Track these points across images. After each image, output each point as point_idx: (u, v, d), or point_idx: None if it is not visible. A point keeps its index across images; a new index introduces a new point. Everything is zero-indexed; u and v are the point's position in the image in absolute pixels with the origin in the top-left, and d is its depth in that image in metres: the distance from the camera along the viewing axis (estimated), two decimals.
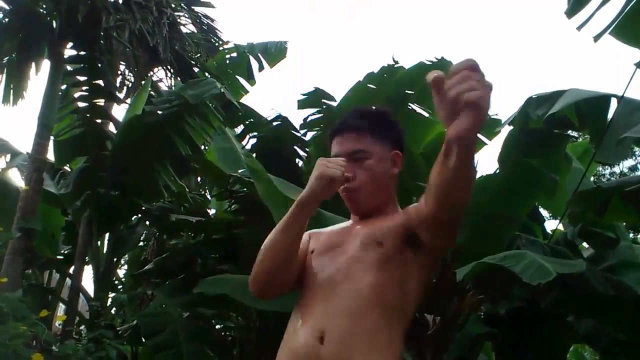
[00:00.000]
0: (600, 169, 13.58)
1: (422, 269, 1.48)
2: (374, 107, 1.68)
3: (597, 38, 3.28)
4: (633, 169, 14.62)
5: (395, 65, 5.92)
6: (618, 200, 3.71)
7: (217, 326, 6.04)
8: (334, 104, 5.89)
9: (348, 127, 1.57)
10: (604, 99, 3.63)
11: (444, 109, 1.10)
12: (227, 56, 7.15)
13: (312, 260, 1.51)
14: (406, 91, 5.77)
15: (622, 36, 3.33)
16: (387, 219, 1.51)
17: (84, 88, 5.45)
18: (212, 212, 6.65)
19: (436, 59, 5.68)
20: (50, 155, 5.52)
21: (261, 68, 7.06)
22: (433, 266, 1.57)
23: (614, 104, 3.62)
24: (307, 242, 1.57)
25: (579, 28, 3.29)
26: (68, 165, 6.10)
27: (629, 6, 3.19)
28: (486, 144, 6.21)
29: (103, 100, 5.79)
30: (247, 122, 6.28)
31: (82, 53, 5.48)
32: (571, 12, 3.25)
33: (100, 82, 5.47)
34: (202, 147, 6.10)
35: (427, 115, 5.92)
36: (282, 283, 1.49)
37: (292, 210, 1.44)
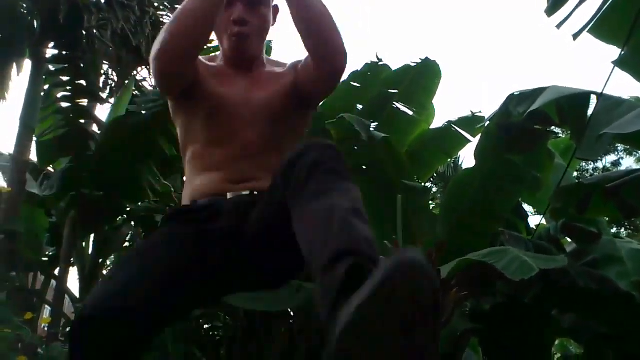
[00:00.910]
0: (584, 164, 13.75)
1: (304, 122, 1.60)
2: None
3: (576, 36, 3.33)
4: (615, 164, 14.83)
5: (380, 64, 5.95)
6: (599, 196, 3.77)
7: (205, 326, 6.04)
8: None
9: None
10: (584, 96, 3.68)
11: None
12: (212, 54, 7.13)
13: (213, 83, 1.50)
14: (390, 90, 5.81)
15: (600, 34, 3.38)
16: (270, 78, 1.54)
17: (66, 88, 5.40)
18: None
19: (420, 59, 5.72)
20: (33, 156, 5.47)
21: None
22: (308, 121, 1.65)
23: (593, 101, 3.67)
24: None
25: (559, 26, 3.34)
26: (51, 166, 6.04)
27: (606, 5, 3.24)
28: (470, 141, 6.27)
29: (86, 100, 5.75)
30: None
31: (64, 53, 5.43)
32: (551, 10, 3.29)
33: (83, 82, 5.42)
34: None
35: (411, 114, 5.97)
36: (194, 54, 1.42)
37: None
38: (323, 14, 1.38)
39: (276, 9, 1.57)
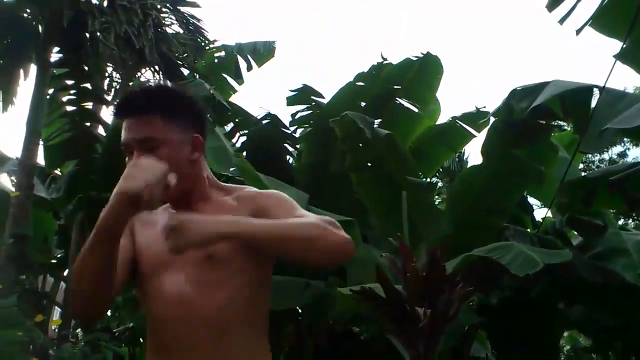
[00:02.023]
0: (590, 156, 13.68)
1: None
2: (167, 84, 1.41)
3: (579, 31, 3.34)
4: (622, 155, 14.73)
5: (384, 63, 5.97)
6: (604, 189, 3.78)
7: None
8: (323, 100, 5.93)
9: (135, 108, 1.30)
10: (587, 90, 3.68)
11: None
12: (216, 55, 7.17)
13: (148, 275, 1.29)
14: (393, 86, 5.82)
15: (602, 28, 3.39)
16: (207, 214, 1.29)
17: (71, 92, 5.44)
18: None
19: (422, 54, 5.72)
20: (41, 160, 5.53)
21: (249, 68, 7.08)
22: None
23: (596, 94, 3.68)
24: (130, 236, 1.34)
25: (561, 21, 3.35)
26: (58, 169, 6.09)
27: None
28: (475, 136, 6.28)
29: (91, 103, 5.79)
30: (236, 121, 6.31)
31: (69, 57, 5.47)
32: (551, 5, 3.30)
33: (88, 85, 5.47)
34: None
35: (415, 110, 5.98)
36: (106, 302, 1.25)
37: (91, 239, 1.18)
38: (288, 243, 1.20)
39: (197, 139, 1.33)
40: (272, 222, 1.24)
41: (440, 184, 10.94)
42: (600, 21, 3.35)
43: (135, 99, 1.33)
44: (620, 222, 11.41)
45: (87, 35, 5.54)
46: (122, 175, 1.18)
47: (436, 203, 8.25)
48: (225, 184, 1.41)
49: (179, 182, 1.27)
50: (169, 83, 1.38)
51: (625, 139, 13.94)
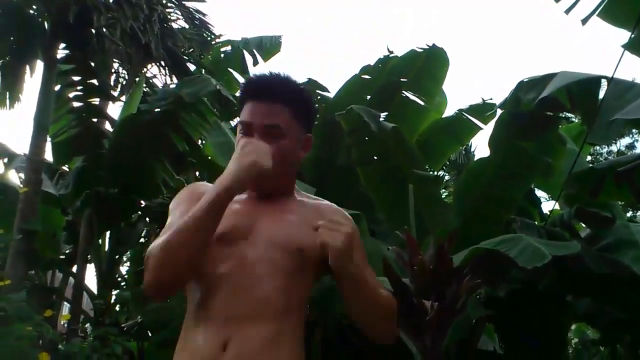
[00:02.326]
0: (598, 148, 13.62)
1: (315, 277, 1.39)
2: (292, 77, 1.42)
3: (585, 21, 3.31)
4: (630, 146, 14.67)
5: (390, 56, 5.95)
6: (612, 180, 3.75)
7: None
8: (328, 94, 5.92)
9: (269, 94, 1.35)
10: (595, 80, 3.66)
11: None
12: (222, 49, 7.17)
13: (212, 245, 1.28)
14: (400, 79, 5.80)
15: (610, 18, 3.36)
16: (298, 211, 1.37)
17: (78, 88, 5.46)
18: None
19: (427, 45, 5.70)
20: (48, 156, 5.55)
21: (255, 62, 7.08)
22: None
23: (604, 85, 3.65)
24: None
25: (567, 11, 3.32)
26: (66, 165, 6.12)
27: None
28: (481, 128, 6.26)
29: (98, 99, 5.80)
30: None
31: (75, 53, 5.48)
32: None
33: (94, 81, 5.48)
34: (200, 142, 6.13)
35: (421, 103, 5.96)
36: (188, 276, 1.28)
37: (209, 200, 1.22)
38: (372, 308, 1.29)
39: (309, 139, 1.41)
40: (374, 281, 1.34)
41: (447, 177, 10.91)
42: (608, 11, 3.32)
43: (269, 85, 1.37)
44: (629, 214, 11.36)
45: (93, 31, 5.55)
46: (238, 150, 1.27)
47: (443, 196, 8.23)
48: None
49: (282, 175, 1.35)
50: (289, 76, 1.39)
51: (633, 131, 13.86)
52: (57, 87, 5.51)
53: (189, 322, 1.30)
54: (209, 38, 7.05)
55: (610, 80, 3.53)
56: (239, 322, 1.23)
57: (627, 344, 4.79)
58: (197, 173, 7.40)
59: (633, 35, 3.37)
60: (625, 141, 14.61)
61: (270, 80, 1.39)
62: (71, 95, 5.54)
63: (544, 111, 4.16)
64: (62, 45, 5.46)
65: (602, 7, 3.31)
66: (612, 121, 3.26)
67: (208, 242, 1.24)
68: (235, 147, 1.30)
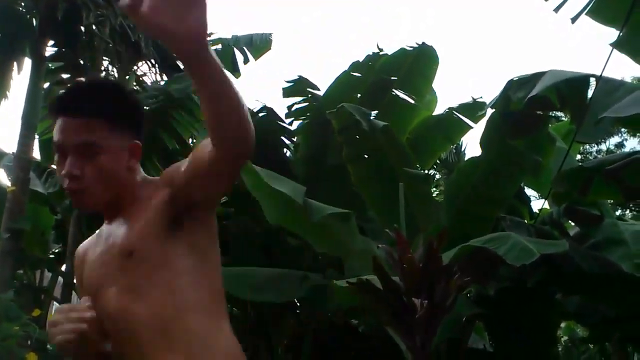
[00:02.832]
0: (587, 147, 13.68)
1: (202, 234, 1.22)
2: (108, 81, 1.28)
3: (574, 19, 3.32)
4: (619, 145, 14.73)
5: (380, 53, 5.95)
6: (601, 179, 3.77)
7: None
8: (319, 92, 5.92)
9: (78, 108, 1.21)
10: (583, 79, 3.68)
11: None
12: (213, 48, 7.13)
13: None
14: (390, 77, 5.80)
15: (598, 16, 3.37)
16: (134, 213, 1.22)
17: (67, 85, 5.41)
18: None
19: (417, 44, 5.70)
20: (36, 154, 5.51)
21: (246, 60, 7.04)
22: (212, 222, 1.25)
23: (593, 84, 3.67)
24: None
25: (556, 10, 3.33)
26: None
27: None
28: (471, 127, 6.27)
29: None
30: None
31: (64, 50, 5.44)
32: None
33: (83, 79, 5.44)
34: (190, 140, 6.10)
35: (411, 101, 5.97)
36: None
37: None
38: (229, 104, 0.97)
39: (137, 147, 1.26)
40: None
41: (438, 176, 10.94)
42: (597, 9, 3.34)
43: (79, 98, 1.22)
44: (618, 212, 11.42)
45: (82, 28, 5.51)
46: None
47: (434, 195, 8.25)
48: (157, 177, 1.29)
49: (113, 191, 1.22)
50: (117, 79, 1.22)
51: (622, 130, 13.94)
52: (46, 85, 5.47)
53: None
54: None
55: (599, 78, 3.55)
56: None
57: (615, 341, 4.82)
58: None
59: (621, 34, 3.39)
60: (614, 140, 14.70)
61: (81, 91, 1.26)
62: (60, 92, 5.49)
63: (533, 110, 4.18)
64: (51, 42, 5.43)
65: (590, 5, 3.32)
66: (600, 119, 3.28)
67: None
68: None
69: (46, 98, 5.47)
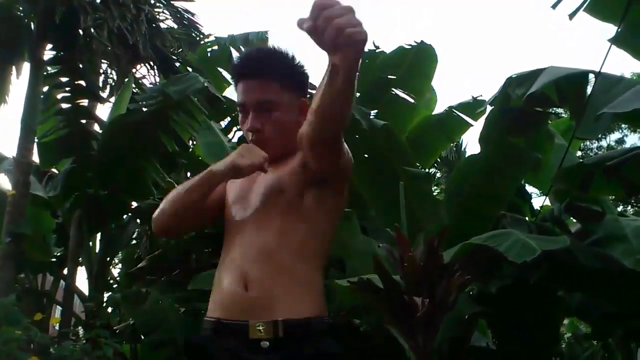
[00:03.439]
0: (588, 143, 13.69)
1: (331, 202, 1.51)
2: (277, 49, 1.52)
3: (572, 15, 3.32)
4: (620, 141, 14.73)
5: (377, 51, 5.94)
6: (601, 175, 3.76)
7: None
8: None
9: (255, 71, 1.49)
10: (582, 75, 3.67)
11: (322, 42, 1.06)
12: (209, 49, 7.13)
13: (228, 208, 1.55)
14: (388, 76, 5.80)
15: (596, 12, 3.37)
16: (288, 163, 1.50)
17: (66, 89, 5.42)
18: None
19: (415, 42, 5.70)
20: (36, 158, 5.51)
21: None
22: (340, 198, 1.56)
23: (592, 80, 3.66)
24: (224, 189, 1.59)
25: (554, 6, 3.32)
26: (55, 167, 6.08)
27: None
28: (471, 125, 6.27)
29: (86, 100, 5.77)
30: (232, 115, 6.28)
31: (62, 54, 5.44)
32: None
33: (82, 82, 5.45)
34: (190, 142, 6.10)
35: (411, 100, 5.96)
36: (186, 227, 1.66)
37: (201, 175, 1.48)
38: (352, 98, 1.28)
39: (304, 104, 1.50)
40: None
41: (439, 175, 10.94)
42: (594, 5, 3.34)
43: (254, 63, 1.50)
44: (620, 208, 11.42)
45: (81, 32, 5.51)
46: (236, 151, 1.45)
47: (435, 193, 8.24)
48: None
49: (284, 142, 1.50)
50: (281, 48, 1.50)
51: (623, 126, 13.94)
52: (45, 88, 5.48)
53: (218, 270, 1.51)
54: (197, 38, 7.02)
55: (598, 74, 3.54)
56: (251, 263, 1.41)
57: (618, 338, 4.81)
58: (189, 174, 7.39)
59: (619, 30, 3.38)
60: (615, 136, 14.70)
61: (255, 57, 1.54)
62: (59, 96, 5.50)
63: (533, 107, 4.17)
64: (49, 46, 5.43)
65: (588, 2, 3.32)
66: (599, 115, 3.27)
67: (195, 204, 1.49)
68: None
69: (45, 102, 5.48)
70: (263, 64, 1.48)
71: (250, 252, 1.42)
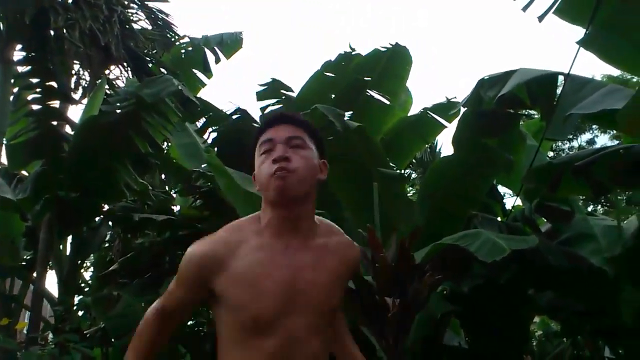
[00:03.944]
0: (560, 144, 13.90)
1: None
2: (303, 118, 1.57)
3: (541, 18, 3.36)
4: (590, 142, 14.98)
5: (353, 53, 5.96)
6: (570, 175, 3.82)
7: (189, 322, 6.03)
8: (292, 94, 5.90)
9: (287, 119, 1.48)
10: (552, 77, 3.72)
11: None
12: (183, 50, 7.08)
13: (256, 301, 1.33)
14: (364, 78, 5.81)
15: (565, 15, 3.42)
16: (322, 254, 1.43)
17: (36, 90, 5.32)
18: (177, 208, 6.61)
19: (390, 45, 5.73)
20: (4, 160, 5.40)
21: (217, 60, 7.00)
22: None
23: (562, 82, 3.71)
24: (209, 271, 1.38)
25: (524, 9, 3.36)
26: (25, 169, 5.97)
27: None
28: (446, 126, 6.32)
29: (57, 101, 5.67)
30: (207, 116, 6.24)
31: (33, 54, 5.35)
32: None
33: (53, 83, 5.36)
34: (164, 144, 6.04)
35: (386, 101, 5.98)
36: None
37: None
38: None
39: (324, 164, 1.51)
40: None
41: (414, 175, 11.01)
42: (563, 8, 3.39)
43: (287, 115, 1.52)
44: (590, 208, 11.62)
45: (52, 32, 5.42)
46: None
47: (410, 194, 8.30)
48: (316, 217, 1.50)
49: (308, 187, 1.41)
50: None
51: (593, 127, 14.19)
52: (15, 90, 5.38)
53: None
54: (172, 39, 6.96)
55: (567, 76, 3.60)
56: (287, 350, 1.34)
57: (587, 334, 4.89)
58: (163, 175, 7.32)
59: (587, 32, 3.44)
60: (586, 137, 14.96)
61: (281, 113, 1.54)
62: (29, 97, 5.40)
63: (504, 108, 4.21)
64: (19, 46, 5.34)
65: (557, 4, 3.36)
66: (568, 116, 3.32)
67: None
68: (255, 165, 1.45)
69: (15, 103, 5.38)
70: (296, 116, 1.52)
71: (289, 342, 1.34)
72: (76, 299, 5.72)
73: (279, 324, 1.33)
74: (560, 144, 13.84)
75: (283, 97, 5.91)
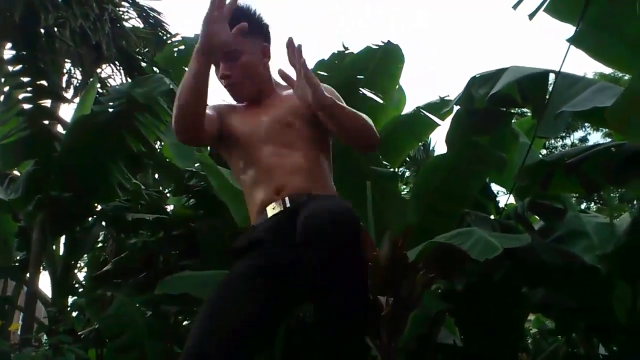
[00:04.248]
0: (553, 141, 13.95)
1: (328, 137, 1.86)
2: (247, 7, 1.78)
3: (531, 16, 3.36)
4: (583, 140, 15.05)
5: (345, 52, 5.94)
6: (562, 173, 3.83)
7: (184, 323, 6.02)
8: None
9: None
10: (543, 75, 3.73)
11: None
12: (175, 49, 7.05)
13: (244, 136, 1.74)
14: (356, 76, 5.80)
15: (555, 13, 3.43)
16: (283, 100, 1.80)
17: (27, 89, 5.29)
18: (170, 208, 6.59)
19: (383, 42, 5.71)
20: None
21: None
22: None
23: (553, 79, 3.72)
24: (217, 112, 1.77)
25: (515, 7, 3.37)
26: (16, 169, 5.94)
27: None
28: (439, 124, 6.31)
29: (49, 100, 5.64)
30: None
31: (23, 53, 5.31)
32: None
33: (44, 82, 5.33)
34: (157, 143, 6.02)
35: (379, 100, 5.97)
36: (199, 123, 1.67)
37: (195, 62, 1.58)
38: (353, 123, 1.76)
39: (265, 49, 1.79)
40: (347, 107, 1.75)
41: (408, 174, 11.03)
42: (553, 6, 3.39)
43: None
44: (583, 205, 11.66)
45: (42, 30, 5.39)
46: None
47: (404, 193, 8.30)
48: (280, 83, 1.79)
49: (256, 82, 1.79)
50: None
51: (586, 124, 14.25)
52: (6, 89, 5.34)
53: (250, 188, 1.74)
54: (164, 37, 6.95)
55: (558, 74, 3.61)
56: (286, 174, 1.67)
57: (581, 331, 4.91)
58: (156, 175, 7.30)
59: (577, 30, 3.44)
60: (578, 134, 15.03)
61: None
62: (20, 96, 5.36)
63: (496, 107, 4.22)
64: (9, 45, 5.31)
65: (547, 2, 3.37)
66: (559, 114, 3.33)
67: (200, 92, 1.58)
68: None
69: (6, 102, 5.35)
70: (232, 22, 1.63)
71: (283, 169, 1.66)
72: (70, 299, 5.69)
73: (259, 153, 1.73)
74: (553, 141, 13.90)
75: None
